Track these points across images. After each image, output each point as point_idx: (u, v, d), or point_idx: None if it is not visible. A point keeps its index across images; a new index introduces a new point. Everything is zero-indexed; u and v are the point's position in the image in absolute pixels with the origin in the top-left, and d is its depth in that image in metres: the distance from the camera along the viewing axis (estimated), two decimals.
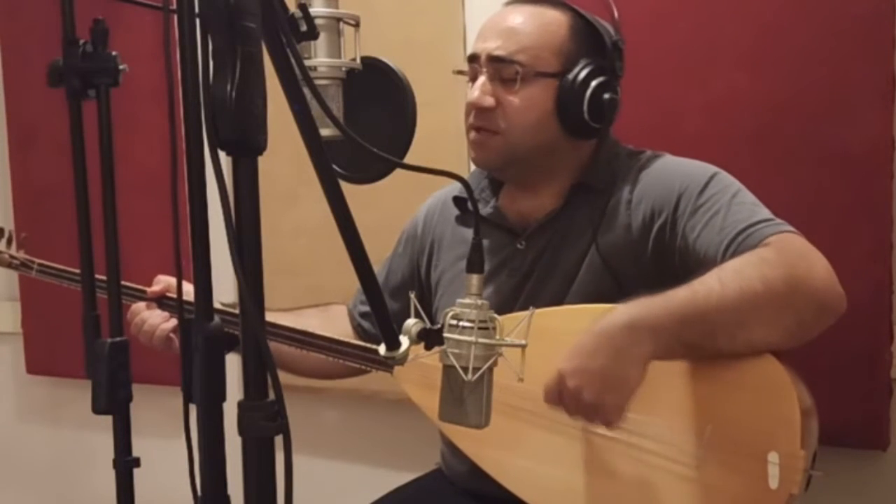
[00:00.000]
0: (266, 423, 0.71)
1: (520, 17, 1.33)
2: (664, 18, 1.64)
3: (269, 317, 1.13)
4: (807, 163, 1.54)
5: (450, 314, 0.88)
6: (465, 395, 0.88)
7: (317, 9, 0.83)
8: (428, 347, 0.90)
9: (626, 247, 1.31)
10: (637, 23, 1.64)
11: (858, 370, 1.53)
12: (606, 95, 1.31)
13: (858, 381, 1.53)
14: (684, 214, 1.27)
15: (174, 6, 0.70)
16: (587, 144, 1.38)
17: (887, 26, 1.48)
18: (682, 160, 1.36)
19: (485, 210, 1.44)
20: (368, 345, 1.40)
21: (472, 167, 1.49)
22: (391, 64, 0.93)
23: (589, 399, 1.12)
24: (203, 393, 0.71)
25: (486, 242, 0.90)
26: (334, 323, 1.58)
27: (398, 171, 0.86)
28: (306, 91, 0.74)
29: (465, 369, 0.86)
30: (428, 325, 0.90)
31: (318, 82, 0.81)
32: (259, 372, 0.72)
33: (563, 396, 1.15)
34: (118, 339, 0.86)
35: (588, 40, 1.33)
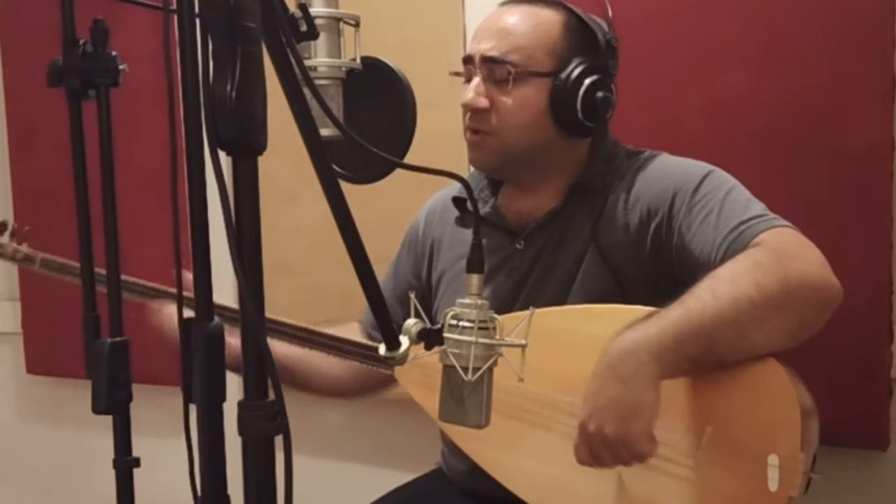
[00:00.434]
0: (266, 423, 0.71)
1: (513, 18, 1.34)
2: (664, 18, 1.64)
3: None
4: (807, 163, 1.54)
5: (450, 314, 0.88)
6: (466, 395, 0.87)
7: (317, 9, 0.83)
8: (428, 347, 0.90)
9: (625, 246, 1.31)
10: (637, 23, 1.64)
11: (858, 370, 1.53)
12: (600, 94, 1.31)
13: (858, 381, 1.53)
14: (679, 213, 1.27)
15: (174, 6, 0.70)
16: (583, 143, 1.38)
17: (887, 26, 1.48)
18: (679, 159, 1.36)
19: (483, 210, 1.44)
20: (369, 343, 1.40)
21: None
22: (391, 64, 0.93)
23: (612, 434, 1.10)
24: (203, 393, 0.71)
25: (484, 242, 0.90)
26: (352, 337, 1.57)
27: (398, 172, 0.86)
28: (306, 91, 0.74)
29: (465, 369, 0.86)
30: (428, 325, 0.90)
31: (318, 82, 0.81)
32: (259, 372, 0.72)
33: (591, 445, 1.12)
34: (118, 339, 0.86)
35: (582, 39, 1.33)
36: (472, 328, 0.87)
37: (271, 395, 0.72)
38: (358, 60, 0.88)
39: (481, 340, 0.87)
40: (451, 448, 1.46)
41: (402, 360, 0.89)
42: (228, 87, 0.67)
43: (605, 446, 1.11)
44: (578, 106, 1.30)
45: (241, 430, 0.71)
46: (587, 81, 1.30)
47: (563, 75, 1.31)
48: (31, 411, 2.64)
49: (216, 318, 0.72)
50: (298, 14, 0.76)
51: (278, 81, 0.73)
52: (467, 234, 1.45)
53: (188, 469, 0.77)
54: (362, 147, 0.79)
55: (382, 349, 0.90)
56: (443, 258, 1.51)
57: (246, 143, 0.70)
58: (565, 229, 1.37)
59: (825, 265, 1.14)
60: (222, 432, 0.72)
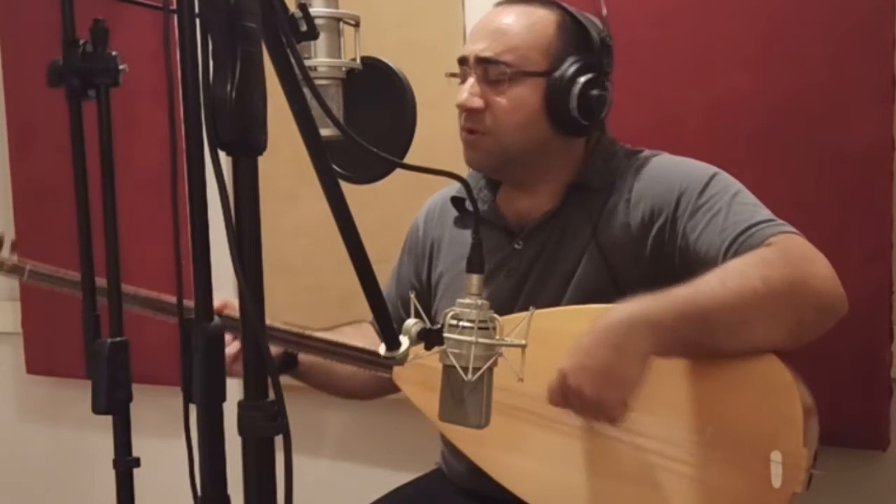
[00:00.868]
0: (266, 423, 0.71)
1: (507, 18, 1.34)
2: (665, 18, 1.64)
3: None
4: (807, 163, 1.54)
5: (450, 314, 0.88)
6: (465, 396, 0.87)
7: (317, 9, 0.83)
8: (428, 347, 0.90)
9: (625, 246, 1.31)
10: (637, 23, 1.64)
11: (858, 370, 1.53)
12: (595, 92, 1.31)
13: (858, 381, 1.53)
14: (685, 214, 1.27)
15: (174, 6, 0.70)
16: (579, 142, 1.38)
17: (887, 26, 1.48)
18: (682, 159, 1.36)
19: (482, 210, 1.44)
20: (367, 347, 1.40)
21: None
22: (391, 64, 0.93)
23: (590, 395, 1.13)
24: (203, 393, 0.71)
25: (483, 243, 0.90)
26: (368, 338, 1.57)
27: (398, 172, 0.86)
28: (306, 91, 0.74)
29: (465, 369, 0.86)
30: (428, 325, 0.90)
31: (318, 82, 0.81)
32: (259, 372, 0.72)
33: (565, 395, 1.16)
34: (118, 339, 0.86)
35: (576, 38, 1.33)
36: (472, 328, 0.87)
37: (271, 396, 0.72)
38: (358, 60, 0.88)
39: (481, 340, 0.87)
40: (452, 448, 1.46)
41: (403, 360, 0.89)
42: (228, 87, 0.67)
43: (578, 401, 1.15)
44: (573, 104, 1.30)
45: (241, 430, 0.71)
46: (582, 80, 1.31)
47: (558, 74, 1.31)
48: (31, 411, 2.64)
49: (216, 319, 0.72)
50: (298, 14, 0.76)
51: (278, 81, 0.73)
52: (466, 234, 1.45)
53: (188, 469, 0.77)
54: (362, 147, 0.79)
55: (383, 349, 0.90)
56: (442, 259, 1.52)
57: (246, 143, 0.70)
58: (564, 229, 1.37)
59: (833, 275, 1.15)
60: (222, 432, 0.72)
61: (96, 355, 0.85)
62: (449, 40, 1.83)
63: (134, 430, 0.88)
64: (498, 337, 0.88)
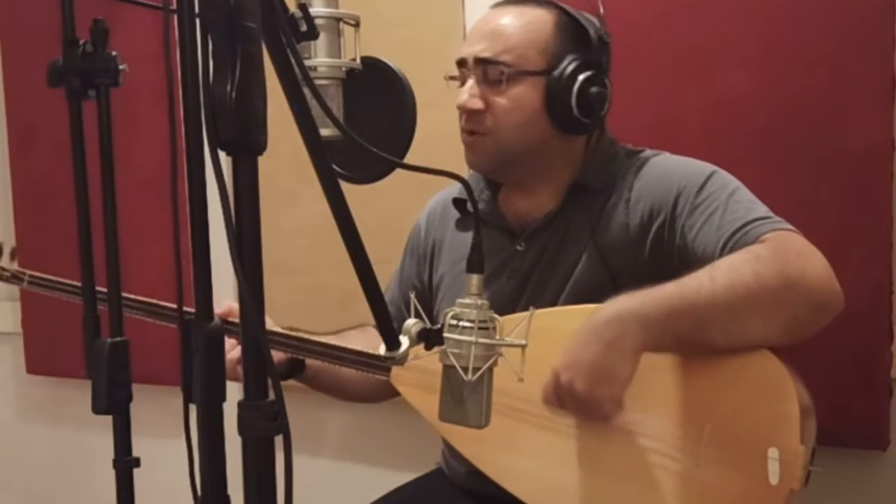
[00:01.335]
0: (266, 423, 0.71)
1: (504, 18, 1.34)
2: (665, 18, 1.64)
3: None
4: (807, 163, 1.54)
5: (450, 314, 0.88)
6: (465, 396, 0.87)
7: (317, 9, 0.83)
8: (428, 347, 0.90)
9: (625, 246, 1.31)
10: (638, 22, 1.64)
11: (858, 370, 1.53)
12: (594, 89, 1.31)
13: (858, 381, 1.53)
14: (682, 214, 1.27)
15: (174, 6, 0.70)
16: (579, 141, 1.38)
17: (887, 26, 1.48)
18: (681, 159, 1.36)
19: (483, 211, 1.44)
20: (366, 350, 1.40)
21: None
22: (391, 64, 0.93)
23: (582, 392, 1.14)
24: (203, 393, 0.71)
25: (485, 244, 0.90)
26: (373, 342, 1.57)
27: (398, 172, 0.86)
28: (306, 91, 0.74)
29: (465, 369, 0.86)
30: (428, 325, 0.90)
31: (318, 82, 0.81)
32: (259, 372, 0.72)
33: (558, 393, 1.16)
34: (118, 339, 0.86)
35: (574, 36, 1.33)
36: (472, 328, 0.87)
37: (271, 396, 0.72)
38: (358, 60, 0.88)
39: (481, 340, 0.87)
40: (452, 449, 1.46)
41: (403, 360, 0.89)
42: (228, 87, 0.67)
43: (572, 399, 1.15)
44: (573, 102, 1.30)
45: (241, 430, 0.71)
46: (581, 77, 1.31)
47: (557, 73, 1.31)
48: (31, 411, 2.64)
49: (216, 319, 0.72)
50: (298, 14, 0.76)
51: (278, 81, 0.73)
52: (467, 237, 1.45)
53: (188, 469, 0.77)
54: (362, 147, 0.79)
55: (383, 349, 0.90)
56: (443, 261, 1.52)
57: (246, 143, 0.70)
58: (565, 230, 1.37)
59: (829, 271, 1.14)
60: (222, 432, 0.72)
61: (96, 355, 0.85)
62: (449, 40, 1.83)
63: (134, 430, 0.88)
64: (498, 337, 0.88)
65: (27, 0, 2.36)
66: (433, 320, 0.90)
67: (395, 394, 1.47)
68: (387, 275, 1.62)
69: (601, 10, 1.35)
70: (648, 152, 1.39)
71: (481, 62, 1.33)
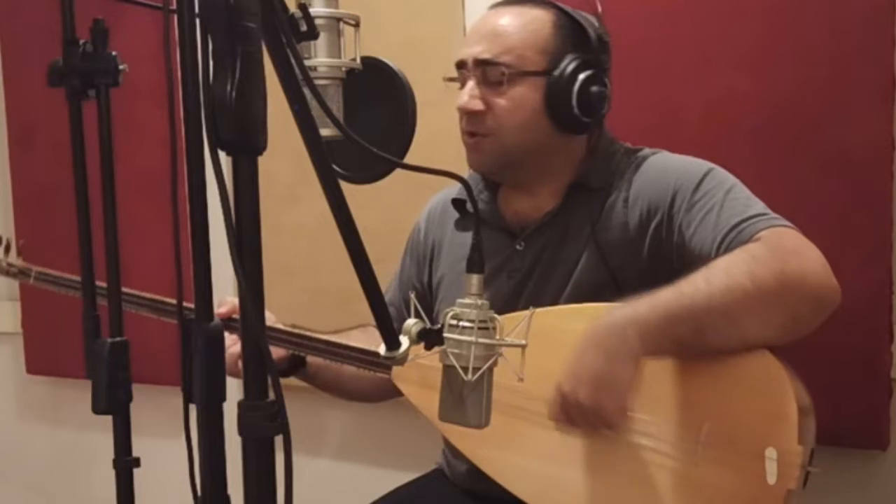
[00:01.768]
0: (266, 423, 0.71)
1: (503, 19, 1.34)
2: (664, 18, 1.64)
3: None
4: (807, 163, 1.54)
5: (450, 314, 0.88)
6: (465, 395, 0.87)
7: (317, 9, 0.83)
8: (428, 347, 0.90)
9: (624, 245, 1.31)
10: (637, 22, 1.64)
11: (858, 370, 1.53)
12: (594, 88, 1.31)
13: (858, 381, 1.53)
14: (680, 212, 1.27)
15: (174, 6, 0.70)
16: (580, 140, 1.38)
17: (887, 26, 1.48)
18: (679, 157, 1.36)
19: (482, 211, 1.44)
20: (367, 347, 1.40)
21: None
22: (391, 64, 0.93)
23: (586, 402, 1.14)
24: (203, 393, 0.71)
25: (484, 244, 0.90)
26: (375, 342, 1.57)
27: (398, 172, 0.86)
28: (306, 91, 0.74)
29: (465, 369, 0.86)
30: (428, 325, 0.90)
31: (318, 82, 0.81)
32: (259, 372, 0.72)
33: (564, 407, 1.16)
34: (118, 339, 0.86)
35: (573, 36, 1.33)
36: (472, 328, 0.87)
37: (271, 395, 0.72)
38: (358, 60, 0.88)
39: (481, 340, 0.87)
40: (453, 447, 1.46)
41: (403, 360, 0.89)
42: (228, 87, 0.67)
43: (577, 410, 1.16)
44: (574, 102, 1.30)
45: (241, 430, 0.71)
46: (581, 77, 1.31)
47: (557, 73, 1.31)
48: (31, 411, 2.64)
49: (217, 319, 0.72)
50: (298, 14, 0.76)
51: (278, 81, 0.73)
52: (466, 237, 1.45)
53: (188, 469, 0.77)
54: (362, 147, 0.79)
55: (383, 349, 0.90)
56: (443, 262, 1.52)
57: (246, 143, 0.70)
58: (565, 229, 1.37)
59: (825, 266, 1.14)
60: (222, 432, 0.72)
61: (96, 355, 0.85)
62: (449, 40, 1.83)
63: (134, 430, 0.88)
64: (498, 337, 0.88)
65: (27, 0, 2.36)
66: (433, 320, 0.90)
67: (397, 394, 1.47)
68: (387, 275, 1.62)
69: (599, 9, 1.35)
70: (647, 151, 1.39)
71: (481, 64, 1.33)
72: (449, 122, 1.37)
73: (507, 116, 1.33)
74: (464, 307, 0.88)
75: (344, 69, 0.86)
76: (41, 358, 2.49)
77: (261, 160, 0.71)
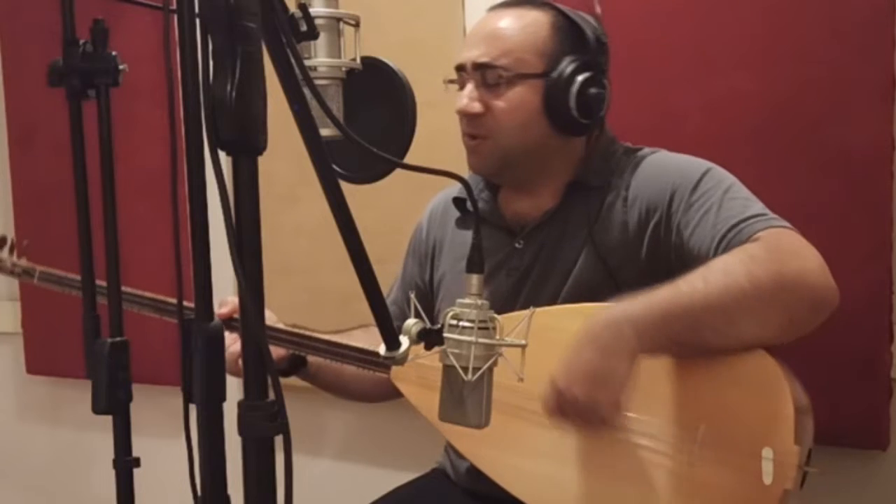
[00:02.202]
0: (266, 423, 0.71)
1: (501, 22, 1.35)
2: (664, 18, 1.64)
3: None
4: (807, 163, 1.54)
5: (450, 314, 0.88)
6: (465, 395, 0.87)
7: (317, 9, 0.83)
8: (428, 347, 0.90)
9: (623, 244, 1.31)
10: (638, 23, 1.64)
11: (858, 370, 1.53)
12: (592, 90, 1.31)
13: (858, 381, 1.53)
14: (678, 211, 1.27)
15: (174, 6, 0.70)
16: (579, 141, 1.39)
17: (887, 26, 1.48)
18: (677, 156, 1.36)
19: (483, 210, 1.44)
20: (367, 347, 1.40)
21: None
22: (391, 64, 0.93)
23: (581, 397, 1.14)
24: (203, 393, 0.71)
25: (484, 242, 0.90)
26: (376, 342, 1.57)
27: (398, 172, 0.86)
28: (306, 91, 0.74)
29: (465, 369, 0.86)
30: (428, 325, 0.90)
31: (318, 82, 0.81)
32: (259, 372, 0.72)
33: (557, 401, 1.16)
34: (118, 339, 0.86)
35: (571, 37, 1.33)
36: (472, 328, 0.87)
37: (271, 395, 0.72)
38: (358, 60, 0.88)
39: (481, 340, 0.87)
40: (454, 446, 1.46)
41: (402, 360, 0.89)
42: (228, 87, 0.67)
43: (571, 406, 1.15)
44: (572, 104, 1.31)
45: (241, 430, 0.71)
46: (579, 79, 1.31)
47: (555, 74, 1.31)
48: (31, 411, 2.64)
49: (217, 319, 0.72)
50: (298, 14, 0.76)
51: (278, 81, 0.73)
52: (467, 236, 1.45)
53: (188, 469, 0.77)
54: (362, 147, 0.79)
55: (383, 349, 0.90)
56: (443, 260, 1.52)
57: (246, 143, 0.70)
58: (564, 228, 1.37)
59: (823, 267, 1.14)
60: (222, 432, 0.72)
61: (96, 355, 0.85)
62: (449, 40, 1.84)
63: (134, 430, 0.88)
64: (498, 337, 0.88)
65: (27, 0, 2.36)
66: (433, 320, 0.90)
67: (398, 394, 1.47)
68: (387, 275, 1.62)
69: (598, 10, 1.35)
70: (646, 150, 1.40)
71: (479, 67, 1.33)
72: (449, 122, 1.37)
73: (505, 118, 1.33)
74: (464, 307, 0.88)
75: (344, 69, 0.86)
76: (41, 358, 2.49)
77: (261, 160, 0.71)
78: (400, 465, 1.87)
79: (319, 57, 0.84)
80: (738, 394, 1.15)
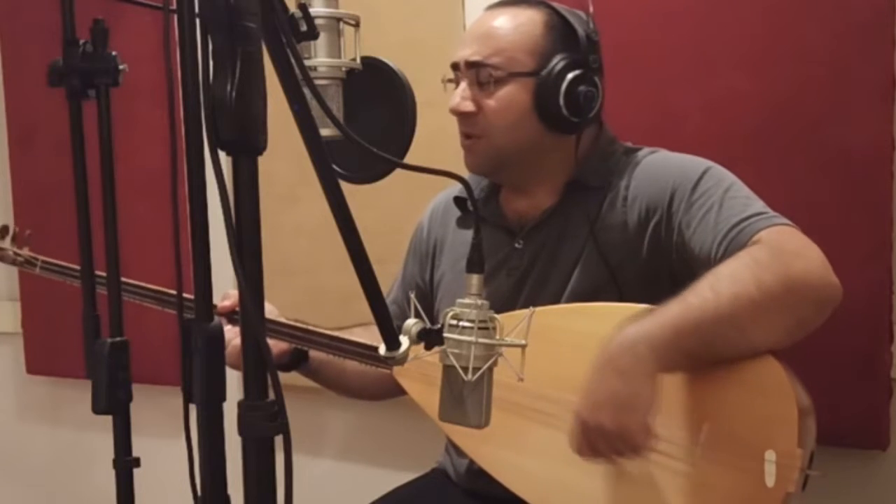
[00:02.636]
0: (266, 423, 0.71)
1: (495, 21, 1.35)
2: (664, 18, 1.64)
3: None
4: (807, 163, 1.54)
5: (450, 314, 0.88)
6: (465, 395, 0.87)
7: (317, 9, 0.83)
8: (428, 347, 0.90)
9: (623, 244, 1.31)
10: (637, 22, 1.64)
11: (858, 370, 1.53)
12: (582, 88, 1.31)
13: (858, 381, 1.53)
14: (679, 211, 1.27)
15: (174, 6, 0.70)
16: (572, 140, 1.38)
17: (887, 26, 1.48)
18: (677, 156, 1.36)
19: (483, 210, 1.44)
20: (368, 342, 1.40)
21: None
22: (391, 64, 0.93)
23: (610, 427, 1.11)
24: (203, 393, 0.71)
25: (484, 242, 0.90)
26: (377, 340, 1.57)
27: (398, 171, 0.86)
28: (306, 91, 0.74)
29: (465, 369, 0.86)
30: (428, 324, 0.90)
31: (317, 82, 0.81)
32: (259, 372, 0.72)
33: (587, 437, 1.14)
34: (118, 339, 0.86)
35: (563, 36, 1.34)
36: (472, 328, 0.87)
37: (271, 395, 0.72)
38: (358, 60, 0.88)
39: (481, 340, 0.86)
40: (457, 446, 1.46)
41: (402, 360, 0.89)
42: (228, 87, 0.67)
43: (602, 439, 1.13)
44: (562, 102, 1.31)
45: (241, 430, 0.71)
46: (569, 77, 1.31)
47: (545, 73, 1.31)
48: (31, 411, 2.64)
49: (217, 319, 0.72)
50: (298, 14, 0.76)
51: (278, 81, 0.73)
52: (467, 235, 1.45)
53: (188, 469, 0.77)
54: (362, 147, 0.79)
55: (383, 349, 0.90)
56: (444, 260, 1.52)
57: (246, 143, 0.70)
58: (563, 227, 1.37)
59: (826, 264, 1.14)
60: (222, 432, 0.72)
61: (96, 355, 0.85)
62: (449, 40, 1.83)
63: (134, 430, 0.88)
64: (498, 337, 0.88)
65: (27, 0, 2.36)
66: (433, 320, 0.90)
67: (399, 392, 1.47)
68: (387, 275, 1.62)
69: (590, 9, 1.35)
70: (645, 150, 1.40)
71: (472, 65, 1.34)
72: (449, 122, 1.38)
73: (496, 117, 1.33)
74: (464, 307, 0.88)
75: (344, 69, 0.86)
76: (41, 358, 2.49)
77: (261, 160, 0.71)
78: (400, 465, 1.87)
79: (319, 57, 0.84)
80: (742, 395, 1.15)
